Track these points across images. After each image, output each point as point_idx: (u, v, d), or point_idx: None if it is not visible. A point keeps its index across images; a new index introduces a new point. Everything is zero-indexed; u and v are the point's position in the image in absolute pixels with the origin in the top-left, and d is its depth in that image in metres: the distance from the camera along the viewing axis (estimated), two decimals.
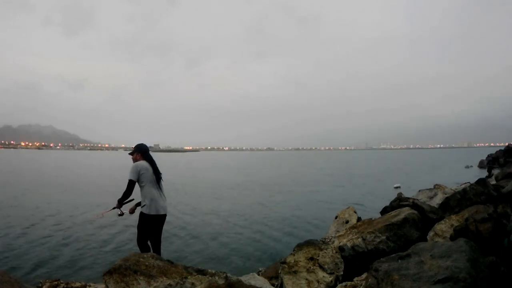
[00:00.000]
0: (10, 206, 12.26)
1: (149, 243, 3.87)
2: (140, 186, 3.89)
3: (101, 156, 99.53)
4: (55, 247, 7.37)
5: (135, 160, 4.04)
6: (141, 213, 3.83)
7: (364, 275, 3.35)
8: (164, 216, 3.92)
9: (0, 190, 16.72)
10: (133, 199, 3.94)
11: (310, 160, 77.59)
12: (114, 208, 3.95)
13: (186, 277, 2.81)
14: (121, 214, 3.94)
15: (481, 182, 6.09)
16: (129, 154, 4.18)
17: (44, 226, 9.30)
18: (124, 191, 3.82)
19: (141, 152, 4.08)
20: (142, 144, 4.19)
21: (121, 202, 3.87)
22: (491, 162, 25.98)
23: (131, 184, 3.82)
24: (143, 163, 3.95)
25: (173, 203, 12.70)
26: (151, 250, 3.80)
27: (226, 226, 9.70)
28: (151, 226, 3.82)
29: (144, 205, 3.83)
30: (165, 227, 4.02)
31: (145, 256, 3.01)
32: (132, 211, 4.01)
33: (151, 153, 4.17)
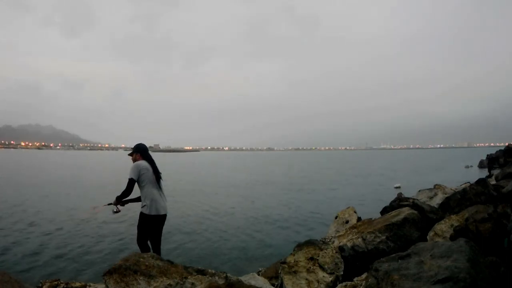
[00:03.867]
0: (10, 206, 12.25)
1: (149, 243, 3.86)
2: (140, 186, 3.87)
3: (101, 156, 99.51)
4: (55, 247, 7.37)
5: (134, 160, 4.00)
6: (141, 213, 3.81)
7: (364, 275, 3.35)
8: (165, 216, 3.91)
9: (0, 191, 16.72)
10: (133, 197, 3.92)
11: (310, 160, 77.64)
12: (109, 204, 3.90)
13: (186, 277, 2.81)
14: (117, 211, 3.89)
15: (481, 182, 6.09)
16: (129, 155, 4.14)
17: (44, 226, 9.30)
18: (123, 189, 3.79)
19: (140, 152, 4.05)
20: (141, 144, 4.15)
21: (119, 200, 3.83)
22: (491, 162, 25.95)
23: (131, 183, 3.79)
24: (144, 163, 3.92)
25: (173, 203, 12.71)
26: (151, 250, 3.79)
27: (226, 226, 9.70)
28: (151, 226, 3.81)
29: (144, 205, 3.80)
30: (165, 226, 4.01)
31: (145, 256, 3.01)
32: (122, 204, 3.94)
33: (150, 153, 4.15)
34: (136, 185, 3.88)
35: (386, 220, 4.47)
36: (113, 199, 3.88)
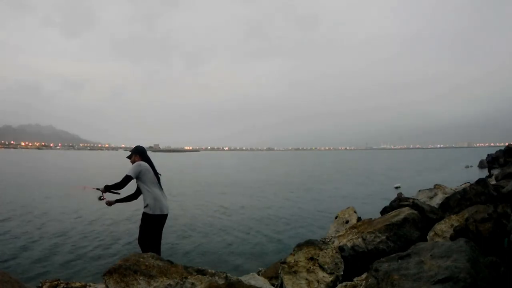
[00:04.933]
0: (10, 205, 12.25)
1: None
2: (143, 187, 3.86)
3: (101, 156, 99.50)
4: (55, 247, 7.37)
5: (133, 162, 4.01)
6: (145, 214, 3.80)
7: (364, 275, 3.35)
8: (167, 215, 3.93)
9: (1, 191, 16.72)
10: (119, 193, 3.86)
11: (310, 160, 77.65)
12: (98, 189, 3.84)
13: (186, 277, 2.81)
14: (102, 199, 3.82)
15: (481, 182, 6.08)
16: (127, 157, 4.14)
17: (44, 226, 9.30)
18: (117, 181, 3.75)
19: (139, 153, 4.08)
20: (139, 146, 4.21)
21: (107, 189, 3.77)
22: (491, 162, 25.94)
23: (127, 179, 3.76)
24: (145, 164, 3.93)
25: (174, 203, 12.70)
26: (151, 250, 3.79)
27: (226, 226, 9.70)
28: (154, 226, 3.81)
29: (147, 206, 3.79)
30: (165, 226, 4.01)
31: (145, 256, 3.01)
32: (110, 204, 3.90)
33: (150, 153, 4.16)
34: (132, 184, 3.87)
35: (386, 220, 4.47)
36: (102, 186, 3.82)
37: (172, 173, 29.86)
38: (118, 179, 3.81)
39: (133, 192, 4.00)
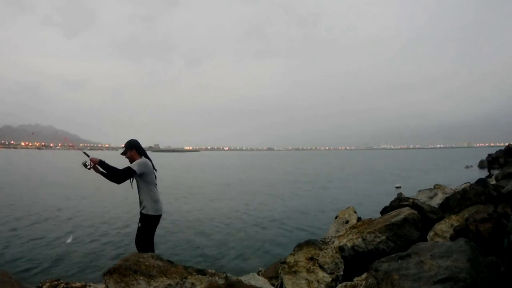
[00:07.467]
0: (10, 205, 12.25)
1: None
2: (142, 186, 3.72)
3: (102, 156, 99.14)
4: (55, 247, 7.36)
5: (130, 158, 3.74)
6: (144, 215, 3.69)
7: (364, 275, 3.35)
8: (161, 215, 3.87)
9: (1, 190, 16.72)
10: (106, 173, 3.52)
11: (310, 160, 77.67)
12: (85, 154, 3.55)
13: (186, 277, 2.81)
14: (88, 168, 3.49)
15: (481, 182, 6.09)
16: (122, 154, 3.81)
17: (44, 226, 9.29)
18: (118, 169, 3.46)
19: (135, 147, 3.75)
20: (133, 139, 3.78)
21: (101, 164, 3.43)
22: (491, 162, 25.96)
23: (129, 173, 3.50)
24: (150, 165, 3.70)
25: (174, 204, 12.73)
26: (148, 250, 3.76)
27: (226, 226, 9.69)
28: (152, 227, 3.78)
29: (145, 207, 3.69)
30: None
31: (145, 256, 3.01)
32: (92, 164, 3.47)
33: (150, 153, 4.04)
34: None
35: (386, 220, 4.47)
36: (97, 157, 3.52)
37: (178, 172, 29.87)
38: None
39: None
